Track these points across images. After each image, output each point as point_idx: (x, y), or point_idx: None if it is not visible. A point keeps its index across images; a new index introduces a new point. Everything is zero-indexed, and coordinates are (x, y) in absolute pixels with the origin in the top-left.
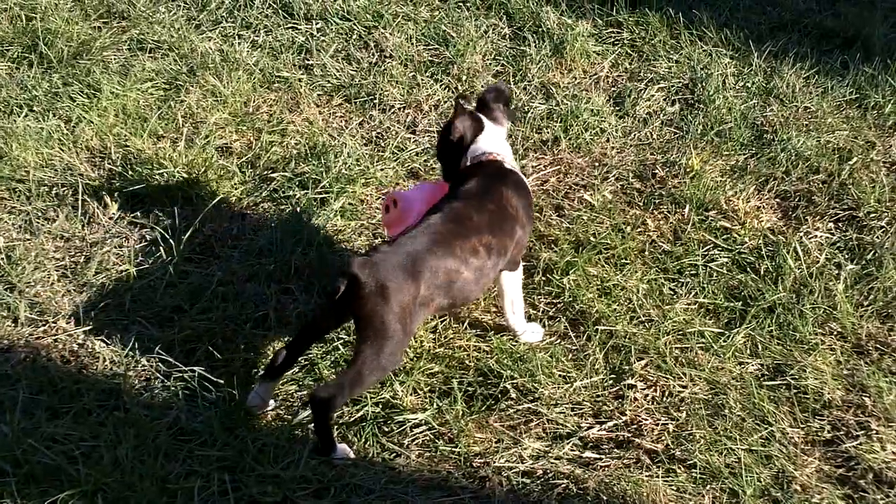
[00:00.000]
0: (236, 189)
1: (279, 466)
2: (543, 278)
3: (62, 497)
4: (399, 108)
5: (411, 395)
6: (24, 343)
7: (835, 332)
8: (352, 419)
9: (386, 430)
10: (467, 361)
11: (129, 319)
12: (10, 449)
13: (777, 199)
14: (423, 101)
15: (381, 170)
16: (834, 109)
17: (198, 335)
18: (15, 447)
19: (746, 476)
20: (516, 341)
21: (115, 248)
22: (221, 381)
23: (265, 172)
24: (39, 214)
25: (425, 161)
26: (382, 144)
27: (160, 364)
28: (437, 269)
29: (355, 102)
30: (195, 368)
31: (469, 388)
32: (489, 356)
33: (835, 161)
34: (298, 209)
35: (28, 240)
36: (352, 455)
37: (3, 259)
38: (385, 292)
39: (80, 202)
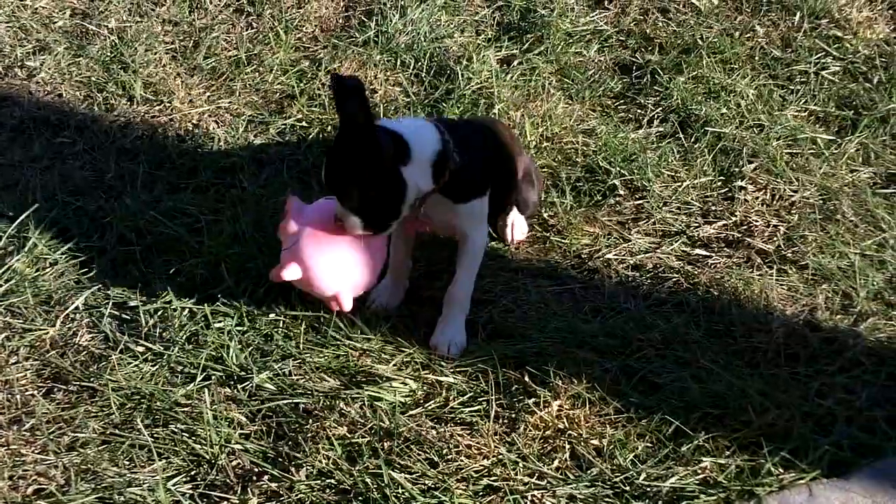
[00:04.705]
0: None
1: None
2: (650, 79)
3: (186, 266)
4: None
5: None
6: (141, 120)
7: None
8: None
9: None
10: (575, 157)
11: (239, 104)
12: (133, 220)
13: (890, 11)
14: None
15: None
16: None
17: (309, 121)
18: (138, 218)
19: (860, 279)
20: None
21: (224, 34)
22: None
23: None
24: None
25: None
26: None
27: (273, 146)
28: None
29: None
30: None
31: (577, 184)
32: (597, 154)
33: None
34: (401, 3)
35: (139, 22)
36: None
37: (115, 39)
38: None
39: None
